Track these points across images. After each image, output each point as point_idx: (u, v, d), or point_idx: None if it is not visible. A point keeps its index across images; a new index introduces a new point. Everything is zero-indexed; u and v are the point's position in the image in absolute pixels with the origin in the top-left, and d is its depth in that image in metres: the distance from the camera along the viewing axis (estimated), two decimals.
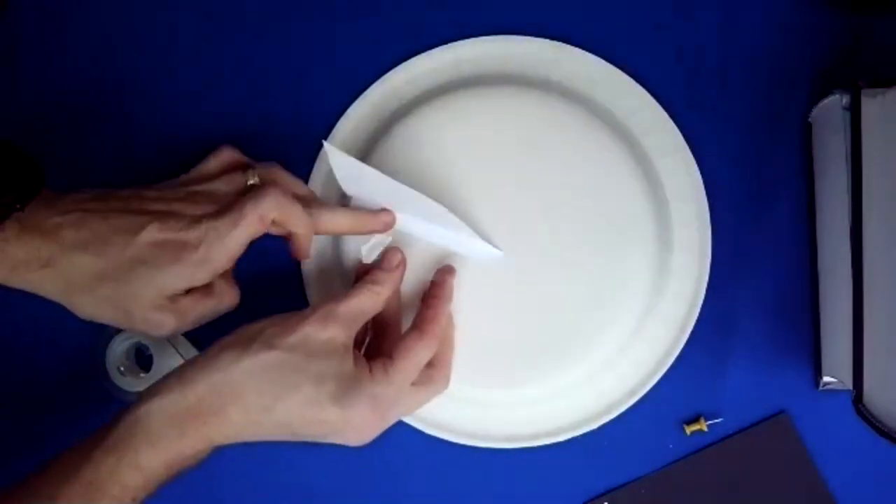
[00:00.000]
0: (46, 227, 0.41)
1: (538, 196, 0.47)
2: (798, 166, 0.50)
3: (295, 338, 0.40)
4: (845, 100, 0.44)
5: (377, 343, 0.45)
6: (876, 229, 0.41)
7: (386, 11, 0.51)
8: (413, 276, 0.47)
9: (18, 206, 0.40)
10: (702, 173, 0.49)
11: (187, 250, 0.41)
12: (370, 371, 0.41)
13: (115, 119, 0.52)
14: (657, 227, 0.47)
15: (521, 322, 0.46)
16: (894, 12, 0.49)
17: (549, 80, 0.50)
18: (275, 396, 0.39)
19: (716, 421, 0.49)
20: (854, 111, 0.42)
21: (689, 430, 0.49)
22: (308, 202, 0.45)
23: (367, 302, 0.42)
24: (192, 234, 0.41)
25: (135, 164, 0.51)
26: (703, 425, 0.48)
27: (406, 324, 0.45)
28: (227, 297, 0.45)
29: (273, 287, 0.50)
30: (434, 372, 0.44)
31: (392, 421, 0.42)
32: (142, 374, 0.50)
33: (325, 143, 0.45)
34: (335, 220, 0.45)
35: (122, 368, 0.49)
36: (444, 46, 0.51)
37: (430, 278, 0.47)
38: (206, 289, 0.43)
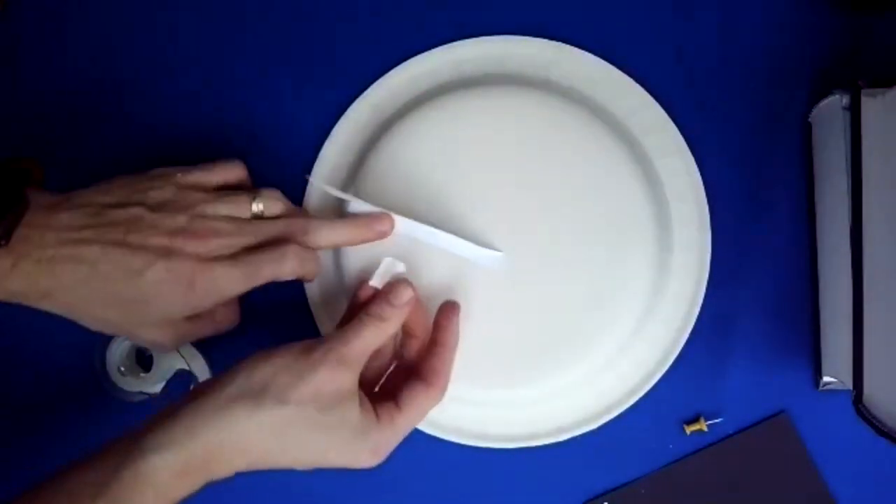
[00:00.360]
0: (42, 258, 0.40)
1: (538, 196, 0.47)
2: (798, 166, 0.50)
3: (307, 390, 0.39)
4: (845, 100, 0.44)
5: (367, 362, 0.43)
6: (876, 229, 0.41)
7: (386, 12, 0.51)
8: (412, 280, 0.47)
9: (3, 241, 0.39)
10: (702, 173, 0.49)
11: (193, 288, 0.41)
12: (377, 417, 0.41)
13: (115, 119, 0.52)
14: (657, 227, 0.47)
15: (521, 322, 0.46)
16: (894, 12, 0.49)
17: (549, 80, 0.50)
18: (283, 448, 0.39)
19: (716, 421, 0.49)
20: (854, 111, 0.42)
21: (689, 430, 0.49)
22: (307, 222, 0.44)
23: (373, 340, 0.41)
24: (199, 277, 0.41)
25: (134, 164, 0.51)
26: (703, 425, 0.48)
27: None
28: (228, 320, 0.45)
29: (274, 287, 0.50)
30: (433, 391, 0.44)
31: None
32: (142, 374, 0.50)
33: (311, 178, 0.46)
34: (333, 235, 0.45)
35: (122, 368, 0.49)
36: (444, 46, 0.51)
37: (428, 282, 0.46)
38: (208, 314, 0.44)
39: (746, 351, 0.49)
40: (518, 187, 0.47)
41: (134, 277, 0.41)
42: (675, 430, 0.49)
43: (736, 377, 0.49)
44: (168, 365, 0.49)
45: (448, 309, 0.45)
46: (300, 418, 0.39)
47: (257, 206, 0.44)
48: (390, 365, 0.45)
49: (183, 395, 0.39)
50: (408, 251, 0.47)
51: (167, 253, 0.41)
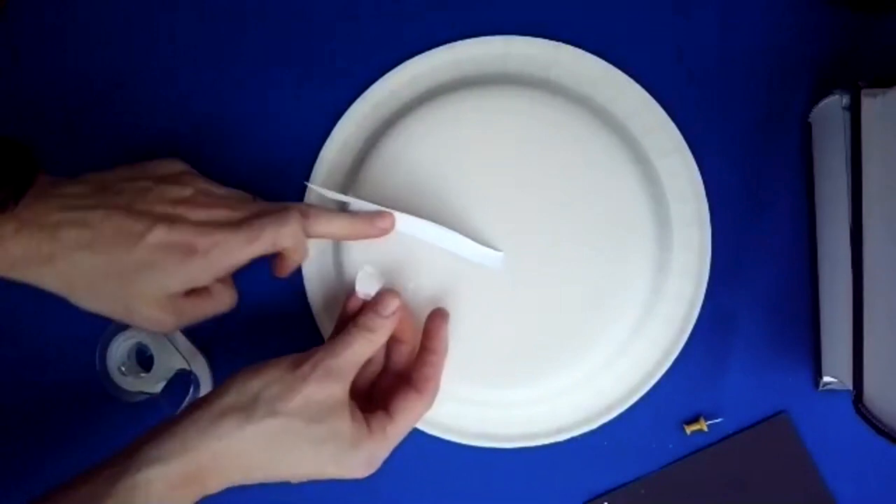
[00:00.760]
0: (46, 223, 0.40)
1: (538, 196, 0.47)
2: (798, 166, 0.50)
3: (297, 402, 0.39)
4: (845, 100, 0.44)
5: (358, 372, 0.43)
6: (876, 229, 0.41)
7: (386, 12, 0.51)
8: (412, 280, 0.47)
9: (12, 201, 0.40)
10: (702, 173, 0.49)
11: (194, 255, 0.41)
12: (368, 428, 0.41)
13: (114, 118, 0.52)
14: (657, 227, 0.47)
15: (521, 322, 0.47)
16: (894, 12, 0.49)
17: (549, 80, 0.50)
18: (276, 461, 0.39)
19: (716, 421, 0.49)
20: (854, 111, 0.42)
21: (689, 430, 0.49)
22: (305, 210, 0.44)
23: (363, 351, 0.42)
24: (201, 241, 0.41)
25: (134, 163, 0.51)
26: (703, 425, 0.49)
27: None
28: (225, 300, 0.45)
29: (275, 286, 0.50)
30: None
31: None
32: (142, 374, 0.50)
33: (309, 184, 0.47)
34: (331, 226, 0.45)
35: (122, 368, 0.49)
36: (444, 46, 0.51)
37: (428, 282, 0.46)
38: (205, 291, 0.44)
39: (746, 351, 0.49)
40: (518, 187, 0.47)
41: (135, 241, 0.41)
42: (675, 430, 0.49)
43: (736, 377, 0.49)
44: (168, 365, 0.49)
45: (437, 316, 0.45)
46: (291, 430, 0.39)
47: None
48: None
49: (180, 410, 0.40)
50: (408, 251, 0.47)
51: (169, 218, 0.41)
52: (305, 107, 0.51)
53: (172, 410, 0.48)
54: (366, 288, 0.45)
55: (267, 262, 0.49)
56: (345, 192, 0.49)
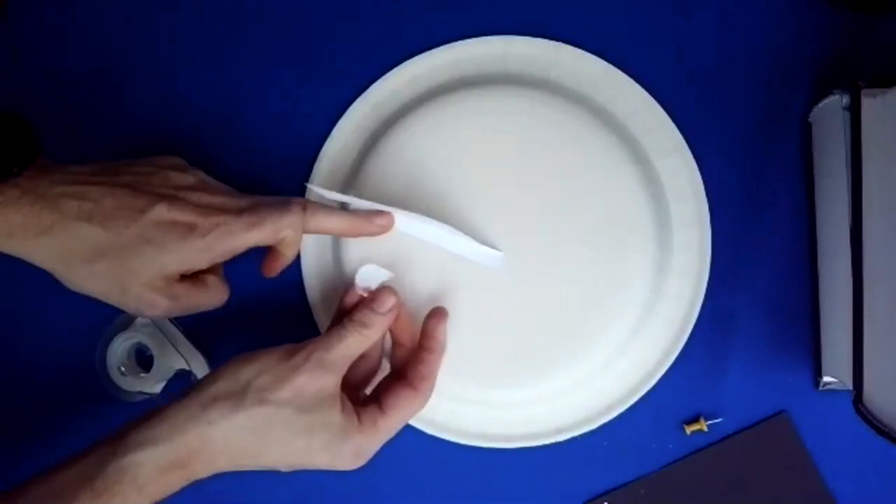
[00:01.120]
0: (48, 195, 0.41)
1: (538, 196, 0.47)
2: (798, 166, 0.50)
3: (287, 391, 0.39)
4: (845, 100, 0.44)
5: (353, 366, 0.43)
6: (876, 229, 0.41)
7: (386, 12, 0.51)
8: (412, 280, 0.47)
9: (16, 169, 0.40)
10: (702, 173, 0.49)
11: (194, 235, 0.41)
12: (359, 421, 0.41)
13: (114, 118, 0.52)
14: (657, 227, 0.47)
15: (521, 322, 0.47)
16: (894, 12, 0.49)
17: (549, 80, 0.50)
18: (264, 448, 0.39)
19: (716, 421, 0.49)
20: (854, 111, 0.42)
21: (689, 430, 0.49)
22: (305, 204, 0.44)
23: (356, 346, 0.42)
24: (202, 221, 0.42)
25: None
26: (703, 425, 0.48)
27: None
28: (218, 293, 0.45)
29: (275, 286, 0.50)
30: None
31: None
32: (142, 374, 0.50)
33: (309, 185, 0.47)
34: (330, 221, 0.45)
35: (122, 368, 0.49)
36: (444, 46, 0.51)
37: (428, 281, 0.46)
38: (200, 281, 0.44)
39: (746, 351, 0.49)
40: (518, 187, 0.47)
41: (136, 216, 0.41)
42: (675, 430, 0.49)
43: (736, 377, 0.49)
44: (168, 365, 0.49)
45: (436, 314, 0.45)
46: (280, 419, 0.39)
47: None
48: (377, 369, 0.45)
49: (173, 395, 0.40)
50: (408, 250, 0.47)
51: (172, 197, 0.42)
52: (305, 107, 0.51)
53: None
54: (365, 282, 0.45)
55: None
56: (345, 192, 0.49)
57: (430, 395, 0.44)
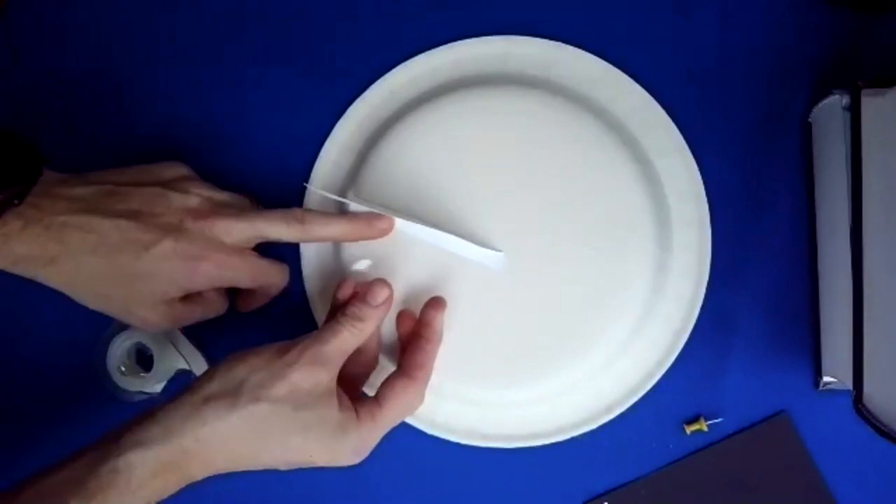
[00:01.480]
0: (51, 224, 0.41)
1: (538, 196, 0.47)
2: (798, 166, 0.50)
3: (282, 388, 0.39)
4: (845, 100, 0.44)
5: (350, 361, 0.43)
6: (876, 229, 0.41)
7: (386, 12, 0.51)
8: (412, 279, 0.47)
9: (16, 201, 0.40)
10: (702, 173, 0.49)
11: (198, 266, 0.42)
12: (357, 415, 0.41)
13: (114, 118, 0.52)
14: (657, 227, 0.47)
15: (521, 322, 0.46)
16: (894, 12, 0.49)
17: (549, 80, 0.50)
18: (262, 447, 0.39)
19: (716, 421, 0.49)
20: (854, 111, 0.42)
21: (689, 430, 0.49)
22: (301, 216, 0.45)
23: (350, 340, 0.42)
24: (206, 253, 0.42)
25: (134, 163, 0.51)
26: (703, 425, 0.48)
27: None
28: (218, 306, 0.47)
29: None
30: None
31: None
32: (142, 374, 0.50)
33: (308, 186, 0.47)
34: (329, 228, 0.45)
35: (122, 368, 0.49)
36: (444, 46, 0.51)
37: (427, 281, 0.46)
38: (199, 296, 0.45)
39: (746, 351, 0.49)
40: (518, 187, 0.47)
41: (141, 250, 0.41)
42: (675, 430, 0.49)
43: (736, 377, 0.49)
44: (169, 365, 0.49)
45: (434, 304, 0.46)
46: (276, 416, 0.39)
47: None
48: (375, 365, 0.45)
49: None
50: (408, 250, 0.47)
51: (177, 231, 0.42)
52: (305, 107, 0.51)
53: None
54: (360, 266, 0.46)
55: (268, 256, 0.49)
56: (345, 193, 0.49)
57: (426, 385, 0.43)
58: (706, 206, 0.49)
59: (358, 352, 0.43)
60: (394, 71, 0.51)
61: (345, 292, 0.44)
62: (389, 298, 0.43)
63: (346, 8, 0.51)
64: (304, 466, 0.41)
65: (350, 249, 0.48)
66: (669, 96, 0.49)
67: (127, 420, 0.39)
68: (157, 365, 0.49)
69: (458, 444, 0.49)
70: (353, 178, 0.49)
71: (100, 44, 0.52)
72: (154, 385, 0.49)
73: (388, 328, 0.46)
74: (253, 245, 0.45)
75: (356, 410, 0.41)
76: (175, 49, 0.52)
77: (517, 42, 0.50)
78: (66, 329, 0.51)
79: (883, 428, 0.40)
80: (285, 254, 0.49)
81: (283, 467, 0.40)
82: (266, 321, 0.50)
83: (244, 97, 0.52)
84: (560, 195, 0.47)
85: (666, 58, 0.50)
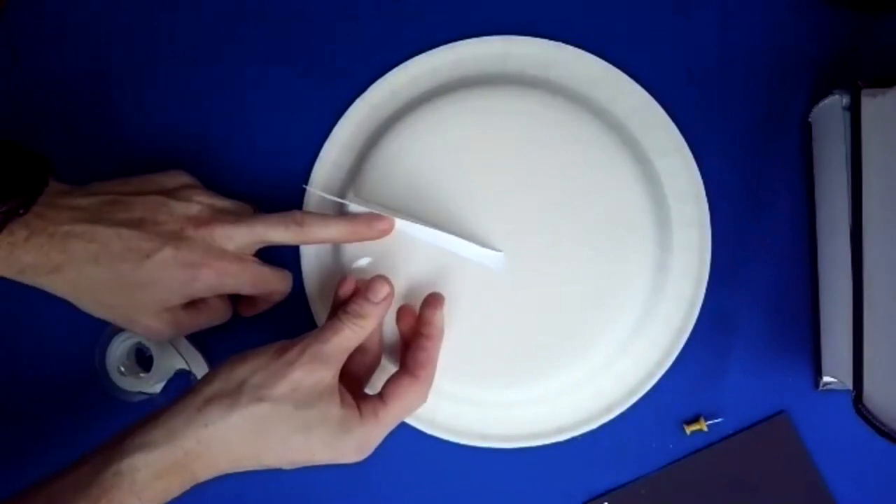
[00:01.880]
0: (55, 233, 0.41)
1: (538, 196, 0.47)
2: (798, 166, 0.50)
3: (283, 387, 0.39)
4: (845, 100, 0.44)
5: (352, 359, 0.44)
6: (876, 229, 0.41)
7: (386, 12, 0.51)
8: (412, 279, 0.47)
9: (22, 210, 0.41)
10: (702, 173, 0.49)
11: (198, 274, 0.43)
12: (360, 413, 0.41)
13: (114, 118, 0.52)
14: (657, 227, 0.47)
15: (521, 322, 0.46)
16: (894, 12, 0.49)
17: (549, 80, 0.50)
18: (265, 446, 0.39)
19: (716, 421, 0.49)
20: (854, 111, 0.42)
21: (689, 430, 0.49)
22: (300, 219, 0.45)
23: (351, 338, 0.42)
24: (207, 261, 0.43)
25: (134, 163, 0.51)
26: (703, 425, 0.48)
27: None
28: (221, 312, 0.47)
29: None
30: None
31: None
32: (142, 374, 0.50)
33: (308, 188, 0.48)
34: (328, 230, 0.45)
35: (122, 368, 0.49)
36: (444, 46, 0.51)
37: (427, 282, 0.46)
38: (203, 304, 0.45)
39: (746, 351, 0.49)
40: (518, 187, 0.47)
41: (143, 259, 0.42)
42: (675, 430, 0.49)
43: (736, 377, 0.49)
44: (168, 365, 0.49)
45: (433, 301, 0.46)
46: (278, 415, 0.39)
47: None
48: (377, 363, 0.45)
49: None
50: (408, 251, 0.47)
51: (178, 239, 0.42)
52: (305, 107, 0.51)
53: None
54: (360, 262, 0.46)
55: (269, 259, 0.49)
56: (345, 193, 0.49)
57: (430, 383, 0.43)
58: (706, 206, 0.49)
59: (360, 350, 0.43)
60: (394, 71, 0.51)
61: (346, 290, 0.44)
62: (390, 295, 0.43)
63: (346, 8, 0.51)
64: (307, 465, 0.40)
65: (350, 249, 0.48)
66: (669, 96, 0.49)
67: (133, 419, 0.39)
68: (157, 365, 0.49)
69: (458, 444, 0.49)
70: (353, 178, 0.49)
71: (100, 44, 0.52)
72: (153, 385, 0.49)
73: (390, 330, 0.47)
74: (254, 251, 0.45)
75: (359, 408, 0.41)
76: (175, 49, 0.52)
77: (517, 42, 0.50)
78: (66, 330, 0.51)
79: (883, 428, 0.40)
80: (286, 254, 0.49)
81: (286, 466, 0.40)
82: (265, 321, 0.50)
83: (244, 97, 0.52)
84: (560, 195, 0.47)
85: (666, 58, 0.50)
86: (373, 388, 0.44)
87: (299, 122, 0.51)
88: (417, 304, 0.46)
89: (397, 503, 0.50)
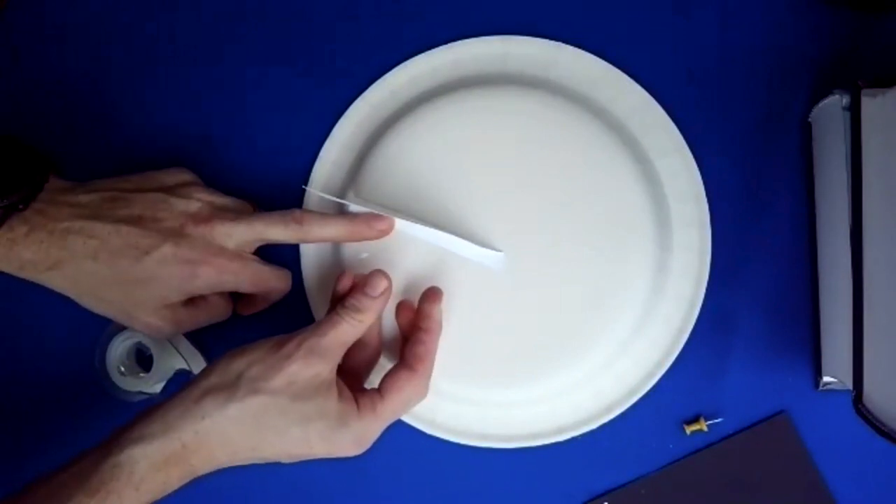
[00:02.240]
0: (55, 230, 0.41)
1: (538, 196, 0.47)
2: (798, 166, 0.50)
3: (280, 380, 0.39)
4: (845, 100, 0.44)
5: (351, 354, 0.44)
6: (876, 229, 0.41)
7: (386, 12, 0.51)
8: (412, 279, 0.47)
9: (21, 206, 0.41)
10: (702, 173, 0.49)
11: (197, 270, 0.43)
12: (357, 406, 0.41)
13: (114, 118, 0.52)
14: (657, 227, 0.47)
15: (521, 322, 0.46)
16: (894, 12, 0.49)
17: (549, 80, 0.50)
18: (262, 439, 0.39)
19: (716, 421, 0.49)
20: (854, 111, 0.42)
21: (689, 430, 0.49)
22: (300, 217, 0.45)
23: (349, 332, 0.42)
24: (206, 257, 0.43)
25: (135, 163, 0.51)
26: (703, 425, 0.48)
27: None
28: (221, 310, 0.47)
29: None
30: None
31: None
32: (142, 374, 0.50)
33: (307, 188, 0.48)
34: (328, 229, 0.45)
35: (122, 368, 0.49)
36: (444, 46, 0.51)
37: (427, 282, 0.46)
38: (203, 301, 0.46)
39: (746, 351, 0.49)
40: (518, 187, 0.47)
41: (142, 255, 0.42)
42: (675, 430, 0.49)
43: (736, 377, 0.49)
44: (168, 365, 0.49)
45: (431, 295, 0.46)
46: (275, 408, 0.39)
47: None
48: (377, 358, 0.46)
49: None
50: (408, 250, 0.47)
51: (177, 236, 0.42)
52: (305, 107, 0.51)
53: None
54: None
55: (268, 258, 0.49)
56: (345, 192, 0.49)
57: (428, 377, 0.43)
58: (706, 206, 0.49)
59: (359, 344, 0.43)
60: (394, 71, 0.51)
61: (344, 285, 0.44)
62: (388, 289, 0.43)
63: (346, 8, 0.51)
64: (305, 458, 0.41)
65: (349, 248, 0.48)
66: (669, 96, 0.49)
67: (129, 420, 0.39)
68: (157, 365, 0.49)
69: (458, 444, 0.49)
70: (352, 177, 0.49)
71: (100, 44, 0.52)
72: (153, 385, 0.49)
73: (389, 326, 0.47)
74: (254, 248, 0.45)
75: (357, 402, 0.41)
76: (175, 49, 0.52)
77: (517, 42, 0.50)
78: (66, 329, 0.51)
79: (883, 428, 0.40)
80: (285, 253, 0.49)
81: (284, 460, 0.40)
82: (265, 320, 0.50)
83: (244, 97, 0.52)
84: (560, 195, 0.47)
85: (666, 58, 0.50)
86: (372, 385, 0.44)
87: (299, 122, 0.51)
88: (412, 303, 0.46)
89: (397, 503, 0.50)
